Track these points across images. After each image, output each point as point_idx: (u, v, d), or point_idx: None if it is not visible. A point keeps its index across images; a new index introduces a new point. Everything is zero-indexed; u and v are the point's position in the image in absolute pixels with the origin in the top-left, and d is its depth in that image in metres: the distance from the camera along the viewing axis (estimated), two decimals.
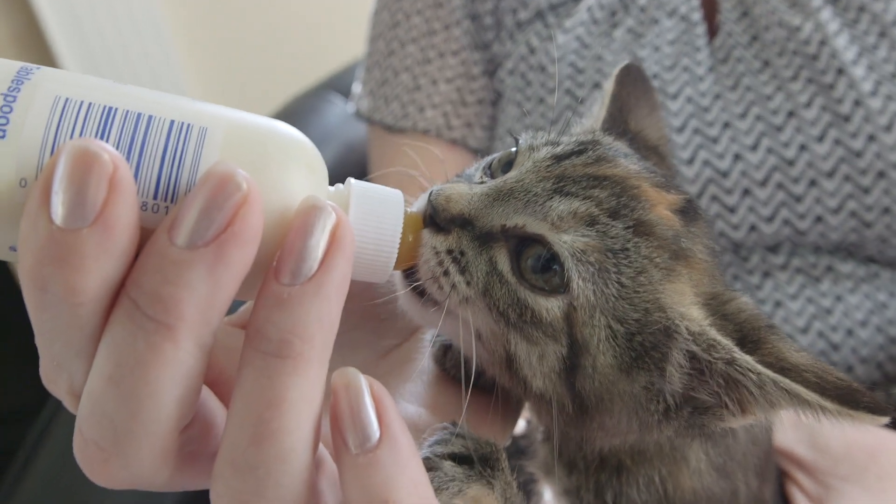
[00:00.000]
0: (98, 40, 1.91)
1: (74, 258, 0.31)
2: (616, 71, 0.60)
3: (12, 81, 0.33)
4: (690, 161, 0.89)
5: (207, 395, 0.40)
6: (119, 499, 0.75)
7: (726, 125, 0.90)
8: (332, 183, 0.42)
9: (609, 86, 0.60)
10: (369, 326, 0.53)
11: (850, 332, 0.87)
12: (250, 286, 0.35)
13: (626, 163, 0.50)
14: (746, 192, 0.89)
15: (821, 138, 0.87)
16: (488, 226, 0.47)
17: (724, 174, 0.89)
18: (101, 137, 0.34)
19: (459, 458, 0.44)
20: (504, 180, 0.49)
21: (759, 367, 0.43)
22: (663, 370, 0.45)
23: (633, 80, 0.61)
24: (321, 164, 0.39)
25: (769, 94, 0.90)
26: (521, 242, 0.46)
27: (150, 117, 0.35)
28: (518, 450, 0.59)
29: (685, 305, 0.46)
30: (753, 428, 0.56)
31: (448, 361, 0.53)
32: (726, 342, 0.44)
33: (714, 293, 0.47)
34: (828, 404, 0.41)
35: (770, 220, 0.89)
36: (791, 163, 0.88)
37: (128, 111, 0.34)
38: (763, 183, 0.88)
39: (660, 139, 0.61)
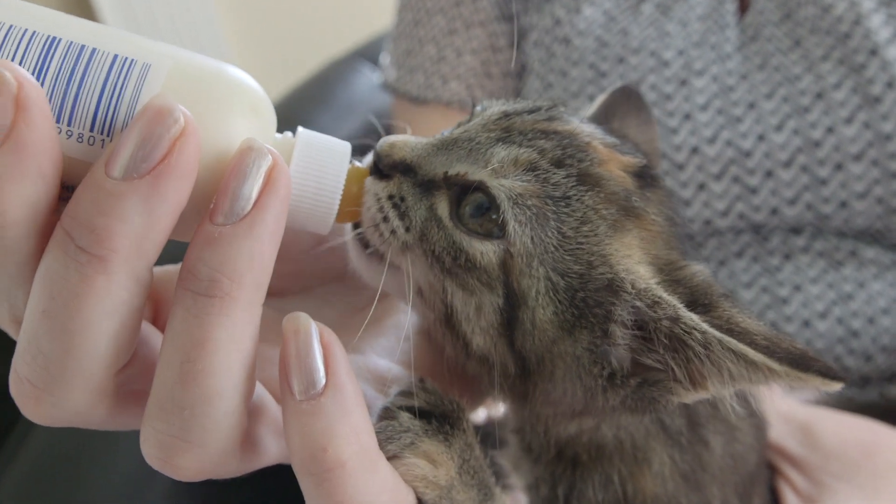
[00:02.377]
0: (142, 3, 1.93)
1: None
2: (611, 88, 0.59)
3: None
4: (712, 140, 0.88)
5: (152, 334, 0.41)
6: (118, 467, 0.77)
7: (751, 105, 0.88)
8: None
9: (600, 97, 0.59)
10: (348, 281, 0.53)
11: (871, 320, 0.86)
12: (188, 226, 0.36)
13: (580, 123, 0.49)
14: (769, 173, 0.87)
15: (849, 120, 0.85)
16: (430, 174, 0.46)
17: (747, 154, 0.87)
18: (42, 66, 0.34)
19: (421, 413, 0.44)
20: (450, 132, 0.48)
21: (704, 326, 0.41)
22: (607, 330, 0.44)
23: (627, 96, 0.59)
24: (269, 109, 0.39)
25: (798, 75, 0.88)
26: (463, 191, 0.45)
27: (93, 50, 0.35)
28: (486, 436, 0.59)
29: (632, 262, 0.45)
30: (734, 443, 0.54)
31: None
32: (671, 299, 0.43)
33: (668, 259, 0.46)
34: (776, 366, 0.39)
35: (793, 202, 0.87)
36: (817, 145, 0.86)
37: (71, 42, 0.35)
38: (787, 164, 0.86)
39: (647, 146, 0.58)
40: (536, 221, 0.44)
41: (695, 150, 0.88)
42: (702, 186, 0.88)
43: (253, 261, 0.35)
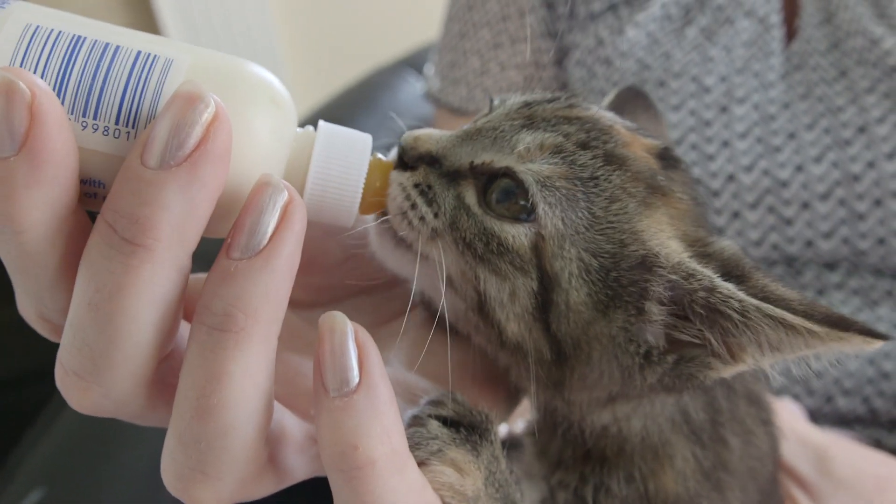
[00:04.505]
0: (200, 7, 1.97)
1: (4, 186, 0.32)
2: (616, 88, 0.59)
3: None
4: (749, 168, 0.87)
5: (187, 330, 0.41)
6: (145, 447, 0.79)
7: (792, 135, 0.87)
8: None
9: (607, 97, 0.59)
10: (376, 293, 0.53)
11: None
12: (216, 220, 0.36)
13: (600, 110, 0.49)
14: (806, 205, 0.86)
15: (891, 156, 0.83)
16: (456, 164, 0.46)
17: (784, 185, 0.86)
18: (68, 63, 0.35)
19: (450, 423, 0.44)
20: (474, 123, 0.48)
21: (741, 294, 0.41)
22: (642, 308, 0.44)
23: (634, 95, 0.60)
24: (289, 103, 0.39)
25: (841, 106, 0.86)
26: (490, 179, 0.45)
27: (117, 47, 0.36)
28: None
29: (664, 237, 0.45)
30: (751, 447, 0.54)
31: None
32: (706, 270, 0.43)
33: (697, 236, 0.46)
34: (816, 328, 0.39)
35: (828, 236, 0.86)
36: (856, 178, 0.84)
37: (96, 40, 0.35)
38: (824, 197, 0.85)
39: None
40: (566, 202, 0.44)
41: (731, 178, 0.87)
42: (736, 214, 0.87)
43: (268, 295, 0.35)
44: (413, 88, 1.33)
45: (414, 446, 0.41)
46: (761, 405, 0.56)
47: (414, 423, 0.43)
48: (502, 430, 0.60)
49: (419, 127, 0.49)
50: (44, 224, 0.34)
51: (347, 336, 0.37)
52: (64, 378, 0.37)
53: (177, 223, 0.34)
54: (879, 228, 0.84)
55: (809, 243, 0.86)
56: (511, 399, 0.53)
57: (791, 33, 0.92)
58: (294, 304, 0.49)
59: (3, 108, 0.32)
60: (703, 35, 0.93)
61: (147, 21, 1.93)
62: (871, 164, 0.84)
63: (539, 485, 0.52)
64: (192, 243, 0.35)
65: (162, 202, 0.33)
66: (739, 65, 0.91)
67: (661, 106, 0.90)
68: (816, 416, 0.85)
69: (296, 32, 2.10)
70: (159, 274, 0.34)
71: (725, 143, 0.88)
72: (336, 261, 0.52)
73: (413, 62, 1.41)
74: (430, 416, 0.43)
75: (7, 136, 0.32)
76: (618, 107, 0.57)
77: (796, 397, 0.85)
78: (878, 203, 0.84)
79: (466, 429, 0.44)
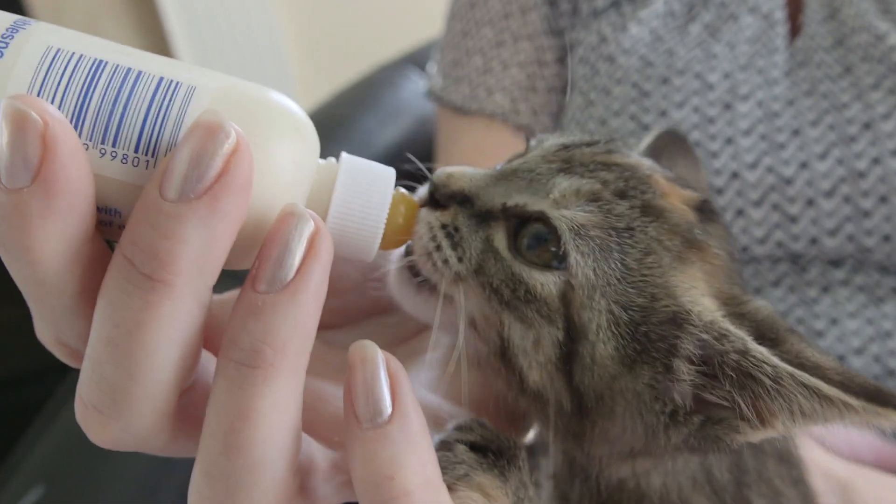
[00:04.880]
0: (205, 3, 1.98)
1: (19, 218, 0.31)
2: (656, 130, 0.58)
3: (7, 29, 0.34)
4: (754, 166, 0.86)
5: (209, 360, 0.40)
6: (139, 454, 0.79)
7: (796, 132, 0.86)
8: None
9: (646, 139, 0.58)
10: (393, 314, 0.53)
11: None
12: (238, 251, 0.35)
13: (640, 157, 0.48)
14: (810, 202, 0.85)
15: None
16: (489, 204, 0.45)
17: (788, 182, 0.85)
18: (88, 87, 0.34)
19: (477, 448, 0.43)
20: (509, 162, 0.48)
21: (775, 360, 0.40)
22: (670, 365, 0.42)
23: (673, 139, 0.58)
24: (313, 134, 0.39)
25: (846, 103, 0.86)
26: (522, 222, 0.44)
27: (139, 72, 0.35)
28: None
29: (697, 294, 0.43)
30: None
31: None
32: (739, 332, 0.41)
33: (731, 294, 0.44)
34: (853, 401, 0.38)
35: (833, 233, 0.85)
36: (861, 175, 0.84)
37: (118, 65, 0.35)
38: (829, 194, 0.85)
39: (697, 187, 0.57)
40: (599, 253, 0.43)
41: (735, 175, 0.86)
42: (740, 212, 0.87)
43: (297, 329, 0.34)
44: (416, 86, 1.33)
45: (442, 470, 0.40)
46: (792, 463, 0.55)
47: (441, 448, 0.42)
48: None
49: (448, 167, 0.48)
50: (60, 255, 0.33)
51: (379, 366, 0.36)
52: (84, 412, 0.36)
53: (197, 257, 0.32)
54: (885, 225, 0.84)
55: (814, 240, 0.86)
56: (534, 425, 0.52)
57: (795, 30, 0.92)
58: None
59: (15, 138, 0.31)
60: (706, 32, 0.93)
61: (150, 20, 1.93)
62: (876, 161, 0.83)
63: None
64: (212, 277, 0.34)
65: (182, 236, 0.32)
66: (743, 61, 0.90)
67: (664, 103, 0.90)
68: None
69: (299, 30, 2.10)
70: (179, 309, 0.33)
71: (729, 140, 0.87)
72: (352, 283, 0.51)
73: (416, 59, 1.40)
74: (457, 440, 0.43)
75: (20, 166, 0.31)
76: (656, 150, 0.57)
77: None
78: (883, 200, 0.83)
79: (494, 454, 0.43)
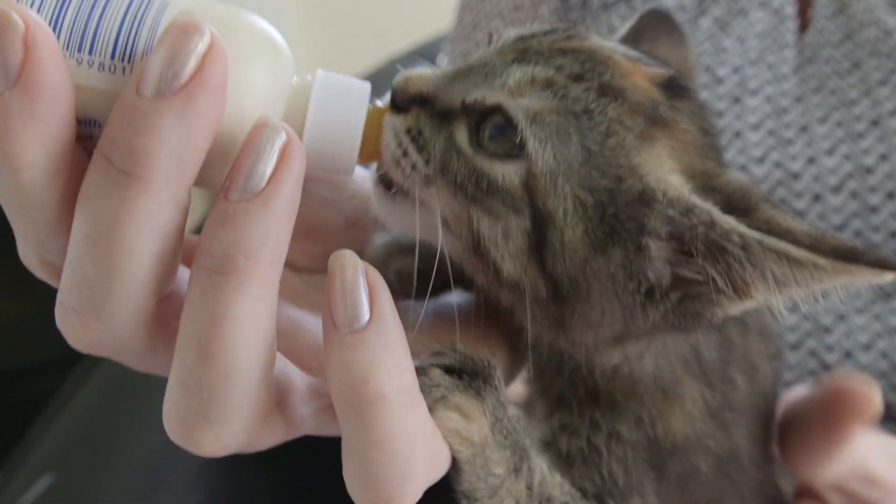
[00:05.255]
0: None
1: (1, 122, 0.32)
2: (639, 12, 0.58)
3: None
4: (761, 160, 0.86)
5: (187, 274, 0.41)
6: (149, 439, 0.80)
7: (804, 128, 0.86)
8: None
9: (629, 22, 0.58)
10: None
11: None
12: (213, 169, 0.36)
13: (600, 40, 0.48)
14: (817, 197, 0.85)
15: None
16: (448, 103, 0.45)
17: (796, 177, 0.85)
18: (63, 2, 0.35)
19: (452, 371, 0.43)
20: (466, 60, 0.48)
21: (742, 228, 0.40)
22: (640, 244, 0.43)
23: (656, 19, 0.58)
24: (286, 53, 0.39)
25: (854, 99, 0.85)
26: (482, 116, 0.45)
27: None
28: None
29: (663, 171, 0.43)
30: (755, 384, 0.53)
31: (391, 274, 0.51)
32: (705, 204, 0.42)
33: (703, 168, 0.45)
34: (821, 261, 0.38)
35: (841, 229, 0.85)
36: (869, 171, 0.83)
37: None
38: (836, 190, 0.84)
39: (680, 65, 0.56)
40: (557, 138, 0.43)
41: (742, 169, 0.86)
42: None
43: (268, 237, 0.35)
44: None
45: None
46: (770, 338, 0.55)
47: (417, 374, 0.42)
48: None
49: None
50: (42, 161, 0.33)
51: (358, 273, 0.36)
52: (64, 317, 0.37)
53: (173, 154, 0.33)
54: (892, 221, 0.83)
55: None
56: (516, 365, 0.52)
57: (804, 24, 0.91)
58: (296, 268, 0.49)
59: None
60: (716, 26, 0.92)
61: None
62: (884, 157, 0.83)
63: (541, 425, 0.52)
64: (189, 177, 0.35)
65: (158, 132, 0.33)
66: (753, 56, 0.90)
67: None
68: None
69: (309, 25, 2.10)
70: (157, 206, 0.34)
71: (737, 134, 0.87)
72: (337, 228, 0.52)
73: (426, 53, 1.41)
74: (431, 365, 0.43)
75: (0, 70, 0.32)
76: (638, 32, 0.56)
77: None
78: (890, 196, 0.83)
79: (469, 375, 0.43)
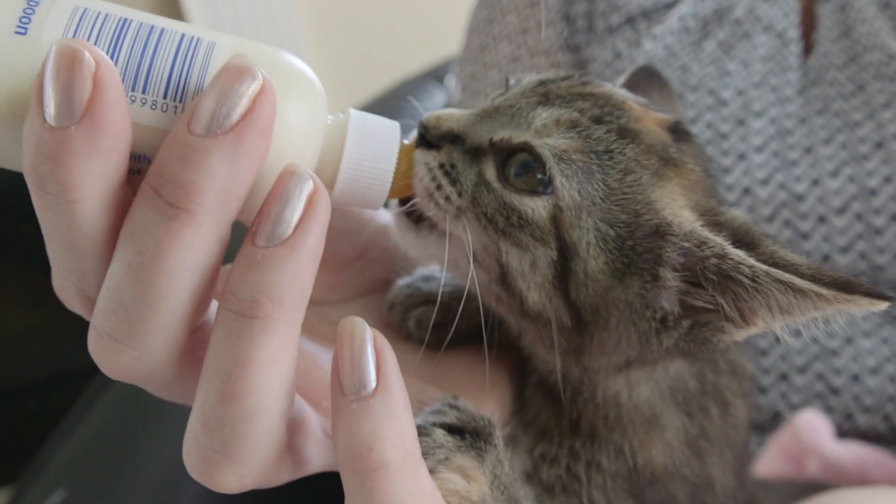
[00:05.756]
0: (228, 23, 2.01)
1: (64, 155, 0.33)
2: (631, 68, 0.62)
3: None
4: (765, 182, 0.87)
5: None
6: (161, 455, 0.81)
7: (808, 150, 0.87)
8: None
9: (622, 77, 0.61)
10: (385, 294, 0.55)
11: None
12: (253, 203, 0.37)
13: (613, 87, 0.52)
14: (822, 219, 0.85)
15: None
16: (477, 141, 0.48)
17: (800, 198, 0.86)
18: (116, 44, 0.36)
19: (454, 430, 0.45)
20: (492, 101, 0.51)
21: (751, 260, 0.43)
22: (656, 274, 0.46)
23: (647, 74, 0.62)
24: (321, 94, 0.41)
25: (858, 121, 0.86)
26: (508, 154, 0.47)
27: (162, 29, 0.37)
28: None
29: (676, 207, 0.47)
30: (727, 416, 0.55)
31: (411, 321, 0.53)
32: (717, 238, 0.45)
33: (708, 206, 0.48)
34: (823, 291, 0.41)
35: (845, 250, 0.85)
36: (873, 193, 0.84)
37: (142, 23, 0.37)
38: (841, 211, 0.85)
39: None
40: (582, 175, 0.46)
41: (747, 191, 0.87)
42: None
43: (294, 283, 0.36)
44: (436, 101, 1.35)
45: (423, 456, 0.41)
46: (743, 378, 0.58)
47: (419, 433, 0.43)
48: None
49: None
50: (97, 195, 0.35)
51: (366, 341, 0.38)
52: (97, 342, 0.38)
53: (219, 189, 0.35)
54: None
55: (826, 257, 0.86)
56: (510, 395, 0.54)
57: (808, 47, 0.92)
58: None
59: (67, 76, 0.33)
60: (720, 49, 0.93)
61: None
62: (888, 179, 0.83)
63: (522, 458, 0.53)
64: (233, 212, 0.36)
65: (207, 168, 0.34)
66: (757, 79, 0.91)
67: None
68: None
69: (322, 47, 2.13)
70: (200, 238, 0.35)
71: (742, 156, 0.88)
72: (347, 259, 0.54)
73: (437, 74, 1.42)
74: (433, 424, 0.45)
75: (69, 104, 0.33)
76: (632, 85, 0.60)
77: None
78: (895, 218, 0.83)
79: (471, 434, 0.45)
